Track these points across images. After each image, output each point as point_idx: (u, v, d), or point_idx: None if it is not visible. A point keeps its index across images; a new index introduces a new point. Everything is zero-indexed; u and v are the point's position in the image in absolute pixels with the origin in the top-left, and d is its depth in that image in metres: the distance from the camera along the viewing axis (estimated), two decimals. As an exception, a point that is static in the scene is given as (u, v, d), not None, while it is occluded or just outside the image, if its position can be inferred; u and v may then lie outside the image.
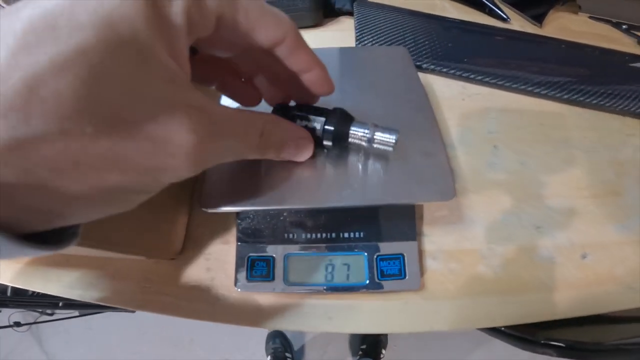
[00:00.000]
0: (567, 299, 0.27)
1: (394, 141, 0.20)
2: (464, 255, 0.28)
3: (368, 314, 0.26)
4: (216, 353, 1.04)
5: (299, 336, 1.05)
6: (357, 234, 0.26)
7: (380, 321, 0.26)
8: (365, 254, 0.25)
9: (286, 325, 0.26)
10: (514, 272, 0.27)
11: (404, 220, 0.26)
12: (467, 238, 0.28)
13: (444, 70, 0.39)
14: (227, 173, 0.23)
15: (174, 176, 0.13)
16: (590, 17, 0.50)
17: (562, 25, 0.48)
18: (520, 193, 0.31)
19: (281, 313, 0.26)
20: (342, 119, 0.20)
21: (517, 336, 0.32)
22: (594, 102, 0.36)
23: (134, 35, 0.10)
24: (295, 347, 1.03)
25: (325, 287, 0.25)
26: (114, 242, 0.21)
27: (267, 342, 1.02)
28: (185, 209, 0.29)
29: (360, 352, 0.98)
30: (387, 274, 0.25)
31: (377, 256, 0.25)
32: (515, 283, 0.27)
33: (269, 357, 0.98)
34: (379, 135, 0.20)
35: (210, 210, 0.22)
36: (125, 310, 0.91)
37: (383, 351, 1.00)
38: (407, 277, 0.25)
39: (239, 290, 0.26)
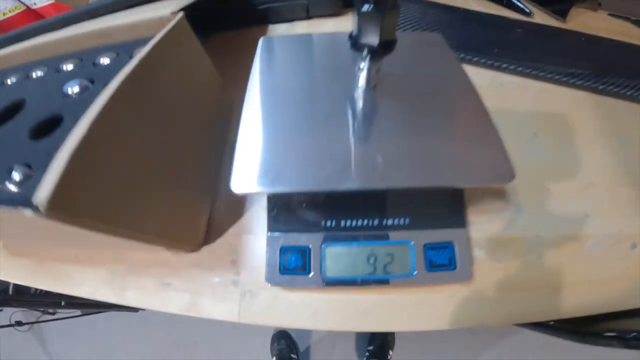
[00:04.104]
0: (618, 290, 0.25)
1: None
2: (511, 243, 0.26)
3: (412, 308, 0.24)
4: (220, 354, 1.01)
5: (304, 337, 1.02)
6: (401, 221, 0.24)
7: (426, 316, 0.24)
8: (412, 242, 0.23)
9: (323, 324, 0.24)
10: (563, 262, 0.26)
11: (451, 206, 0.24)
12: (513, 226, 0.27)
13: (475, 59, 0.38)
14: (259, 152, 0.21)
15: None
16: (610, 14, 0.50)
17: (582, 22, 0.47)
18: (564, 181, 0.29)
19: (317, 310, 0.24)
20: None
21: (570, 330, 0.30)
22: (629, 93, 0.35)
23: None
24: (301, 348, 1.01)
25: (367, 281, 0.23)
26: (142, 229, 0.19)
27: (272, 343, 1.00)
28: (207, 199, 0.27)
29: (367, 354, 0.96)
30: (436, 264, 0.23)
31: (425, 244, 0.23)
32: (564, 274, 0.25)
33: (274, 358, 0.96)
34: None
35: (240, 192, 0.20)
36: (128, 310, 0.89)
37: (390, 352, 0.98)
38: (457, 267, 0.23)
39: (270, 285, 0.24)
